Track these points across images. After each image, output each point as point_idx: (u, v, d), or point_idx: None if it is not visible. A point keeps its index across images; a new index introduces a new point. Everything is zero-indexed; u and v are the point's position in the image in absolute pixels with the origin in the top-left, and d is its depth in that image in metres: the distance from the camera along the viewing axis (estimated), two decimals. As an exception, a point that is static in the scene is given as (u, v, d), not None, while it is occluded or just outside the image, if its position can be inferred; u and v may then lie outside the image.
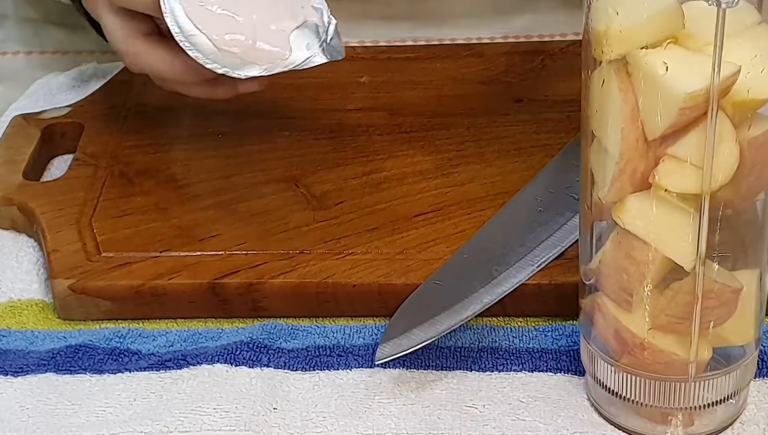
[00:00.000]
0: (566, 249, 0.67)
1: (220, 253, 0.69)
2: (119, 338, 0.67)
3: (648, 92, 0.51)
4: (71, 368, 0.65)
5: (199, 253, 0.69)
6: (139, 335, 0.67)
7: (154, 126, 0.82)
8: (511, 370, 0.63)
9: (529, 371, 0.63)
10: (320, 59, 0.71)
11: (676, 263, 0.54)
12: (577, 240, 0.68)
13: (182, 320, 0.68)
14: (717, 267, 0.54)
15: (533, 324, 0.66)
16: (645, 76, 0.51)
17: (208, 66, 0.69)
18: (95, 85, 0.88)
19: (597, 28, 0.52)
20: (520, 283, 0.65)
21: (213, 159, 0.79)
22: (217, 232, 0.71)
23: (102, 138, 0.81)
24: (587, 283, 0.58)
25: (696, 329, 0.55)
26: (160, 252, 0.70)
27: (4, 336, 0.68)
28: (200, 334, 0.67)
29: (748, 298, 0.56)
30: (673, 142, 0.52)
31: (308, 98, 0.84)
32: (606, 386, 0.58)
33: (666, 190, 0.52)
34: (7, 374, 0.65)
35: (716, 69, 0.50)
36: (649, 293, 0.55)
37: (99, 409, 0.62)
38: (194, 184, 0.76)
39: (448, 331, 0.62)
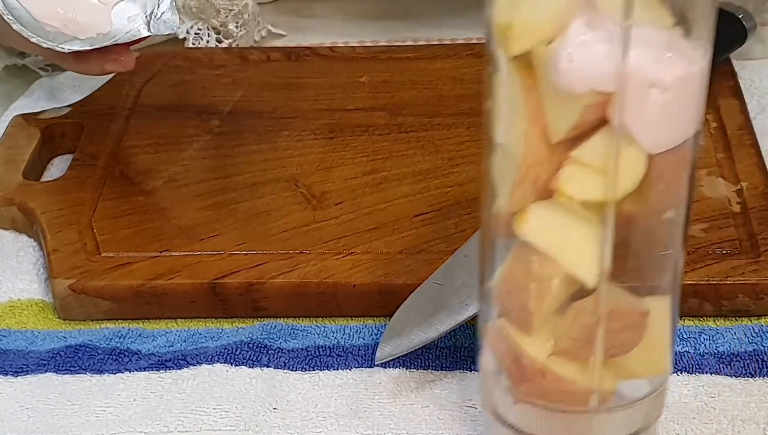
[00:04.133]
0: (566, 249, 0.67)
1: (220, 253, 0.69)
2: (119, 338, 0.67)
3: (552, 90, 0.48)
4: (71, 368, 0.65)
5: (199, 253, 0.69)
6: (139, 335, 0.67)
7: (154, 126, 0.82)
8: (511, 370, 0.63)
9: (529, 371, 0.63)
10: (143, 32, 0.71)
11: (579, 280, 0.50)
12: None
13: (182, 320, 0.68)
14: (623, 288, 0.50)
15: (533, 324, 0.66)
16: (549, 72, 0.48)
17: (33, 40, 0.70)
18: (95, 85, 0.88)
19: (500, 22, 0.49)
20: (520, 282, 0.65)
21: (213, 159, 0.79)
22: (217, 232, 0.71)
23: (102, 138, 0.81)
24: (486, 304, 0.54)
25: (598, 354, 0.51)
26: (160, 252, 0.70)
27: (4, 336, 0.68)
28: (200, 334, 0.67)
29: (658, 326, 0.52)
30: (576, 144, 0.48)
31: (308, 98, 0.84)
32: (504, 420, 0.54)
33: (569, 197, 0.49)
34: (7, 374, 0.65)
35: (622, 59, 0.46)
36: (550, 313, 0.51)
37: (99, 409, 0.62)
38: (194, 184, 0.76)
39: (448, 331, 0.62)
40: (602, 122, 0.47)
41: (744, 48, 0.85)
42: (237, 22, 0.91)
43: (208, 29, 0.92)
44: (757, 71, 0.86)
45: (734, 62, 0.85)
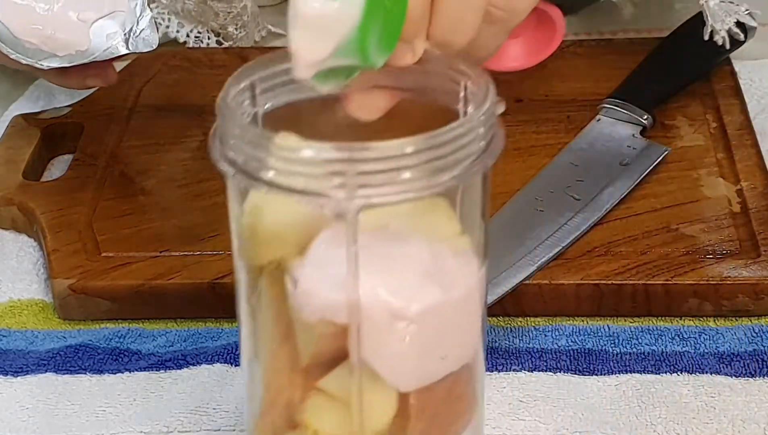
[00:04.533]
0: (566, 249, 0.67)
1: (220, 253, 0.69)
2: (119, 338, 0.67)
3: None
4: (71, 368, 0.65)
5: (199, 253, 0.69)
6: (139, 335, 0.67)
7: (154, 126, 0.82)
8: (510, 370, 0.63)
9: (528, 371, 0.63)
10: (121, 50, 0.71)
11: None
12: (577, 239, 0.68)
13: (182, 320, 0.68)
14: None
15: (533, 324, 0.66)
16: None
17: (12, 56, 0.70)
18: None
19: (247, 227, 0.44)
20: (520, 283, 0.65)
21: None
22: (217, 232, 0.71)
23: (102, 138, 0.81)
24: None
25: None
26: (160, 252, 0.70)
27: (4, 336, 0.68)
28: (200, 334, 0.67)
29: None
30: (324, 372, 0.42)
31: (308, 98, 0.84)
32: None
33: (314, 431, 0.43)
34: (7, 374, 0.65)
35: (353, 287, 0.40)
36: None
37: (99, 409, 0.62)
38: (194, 184, 0.76)
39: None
40: (345, 353, 0.41)
41: (744, 48, 0.85)
42: (236, 24, 0.91)
43: (208, 32, 0.92)
44: (757, 71, 0.86)
45: (734, 62, 0.85)
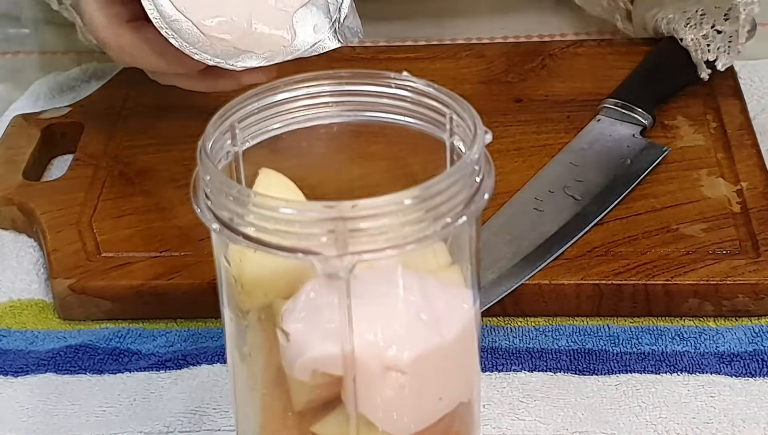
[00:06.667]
0: (566, 249, 0.67)
1: (220, 253, 0.69)
2: (119, 338, 0.67)
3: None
4: (71, 368, 0.65)
5: (199, 253, 0.69)
6: (139, 335, 0.67)
7: (154, 126, 0.82)
8: (510, 370, 0.63)
9: (528, 371, 0.63)
10: (331, 44, 0.62)
11: None
12: (577, 240, 0.68)
13: (182, 320, 0.68)
14: None
15: (533, 324, 0.66)
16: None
17: (196, 57, 0.60)
18: (95, 85, 0.88)
19: (232, 274, 0.44)
20: (520, 283, 0.65)
21: (213, 159, 0.79)
22: (217, 232, 0.71)
23: (102, 138, 0.81)
24: None
25: None
26: (160, 252, 0.70)
27: (4, 336, 0.68)
28: (200, 334, 0.67)
29: None
30: (319, 417, 0.41)
31: (308, 98, 0.84)
32: None
33: None
34: (7, 374, 0.65)
35: (348, 339, 0.40)
36: None
37: (99, 409, 0.62)
38: (194, 184, 0.76)
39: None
40: (339, 396, 0.41)
41: (744, 48, 0.85)
42: None
43: None
44: (757, 71, 0.86)
45: (734, 62, 0.84)
